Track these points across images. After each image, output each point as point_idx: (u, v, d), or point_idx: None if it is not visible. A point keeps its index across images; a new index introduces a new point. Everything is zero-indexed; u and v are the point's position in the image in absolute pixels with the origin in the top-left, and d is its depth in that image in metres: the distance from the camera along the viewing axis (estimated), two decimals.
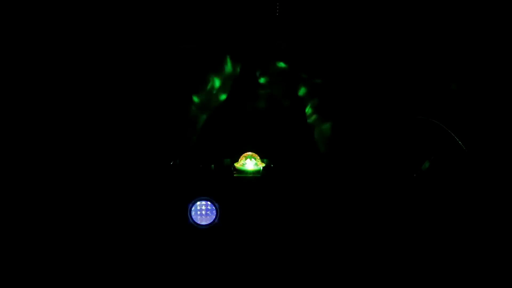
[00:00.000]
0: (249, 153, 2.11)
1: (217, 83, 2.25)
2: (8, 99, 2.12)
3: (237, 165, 2.09)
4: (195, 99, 2.24)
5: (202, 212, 1.98)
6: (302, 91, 2.26)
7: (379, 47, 2.24)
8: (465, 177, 1.96)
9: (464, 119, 2.09)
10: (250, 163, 2.08)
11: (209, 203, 1.98)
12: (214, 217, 1.98)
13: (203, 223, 1.98)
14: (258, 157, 2.11)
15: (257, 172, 2.06)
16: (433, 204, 1.97)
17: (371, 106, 2.23)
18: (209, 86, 2.25)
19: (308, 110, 2.26)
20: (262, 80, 2.27)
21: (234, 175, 2.04)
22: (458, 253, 1.92)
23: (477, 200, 1.94)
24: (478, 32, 2.18)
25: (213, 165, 2.05)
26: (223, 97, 2.27)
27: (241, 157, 2.10)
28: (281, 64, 2.27)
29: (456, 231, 1.94)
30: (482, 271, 1.88)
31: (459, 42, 2.20)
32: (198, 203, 1.98)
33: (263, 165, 2.10)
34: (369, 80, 2.24)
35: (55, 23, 2.14)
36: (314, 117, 2.24)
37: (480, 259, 1.90)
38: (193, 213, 1.98)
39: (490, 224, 1.93)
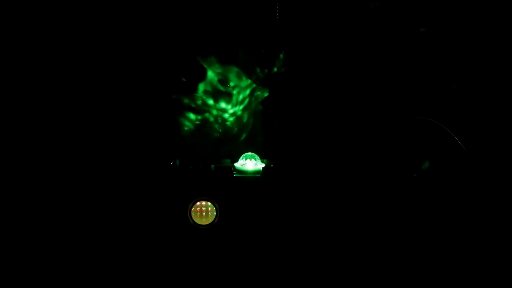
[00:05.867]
0: (249, 153, 2.11)
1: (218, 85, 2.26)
2: (8, 100, 2.12)
3: (237, 165, 2.09)
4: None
5: (202, 212, 1.98)
6: (303, 92, 2.27)
7: (378, 47, 2.24)
8: (465, 177, 1.96)
9: (464, 119, 2.09)
10: (250, 163, 2.08)
11: (209, 203, 1.98)
12: (214, 217, 1.98)
13: (203, 223, 1.98)
14: (258, 157, 2.11)
15: (257, 172, 2.06)
16: (433, 204, 1.97)
17: (371, 106, 2.23)
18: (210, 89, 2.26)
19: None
20: (261, 81, 2.27)
21: (234, 175, 2.04)
22: (458, 253, 1.92)
23: (477, 200, 1.94)
24: (477, 33, 2.19)
25: (213, 165, 2.05)
26: (223, 98, 2.27)
27: (241, 157, 2.11)
28: (281, 66, 2.27)
29: (456, 231, 1.94)
30: (482, 271, 1.88)
31: (459, 42, 2.20)
32: (198, 203, 1.98)
33: (263, 165, 2.10)
34: (369, 81, 2.24)
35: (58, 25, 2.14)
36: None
37: (480, 259, 1.89)
38: (193, 213, 1.98)
39: (490, 224, 1.93)
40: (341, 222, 2.02)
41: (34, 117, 2.13)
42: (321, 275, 1.94)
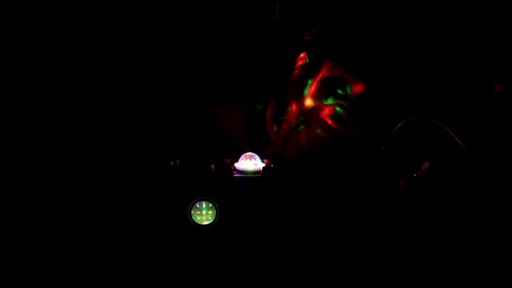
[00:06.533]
0: (249, 153, 2.11)
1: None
2: (8, 99, 2.12)
3: (237, 165, 2.09)
4: None
5: (202, 212, 1.98)
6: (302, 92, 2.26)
7: (378, 47, 2.24)
8: (465, 177, 1.96)
9: (464, 119, 2.10)
10: (250, 163, 2.08)
11: (209, 203, 1.98)
12: (214, 217, 1.98)
13: (203, 223, 1.98)
14: (258, 157, 2.11)
15: (257, 172, 2.06)
16: (433, 204, 1.98)
17: (371, 106, 2.23)
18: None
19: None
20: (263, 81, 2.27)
21: (234, 175, 2.04)
22: (458, 254, 1.92)
23: (477, 200, 1.94)
24: (477, 33, 2.19)
25: (213, 165, 2.05)
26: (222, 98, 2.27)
27: (241, 157, 2.11)
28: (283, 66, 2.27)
29: (456, 231, 1.94)
30: (482, 271, 1.88)
31: (459, 42, 2.20)
32: (198, 203, 1.98)
33: (263, 165, 2.10)
34: (368, 80, 2.24)
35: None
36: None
37: (480, 259, 1.90)
38: (193, 213, 1.98)
39: (490, 224, 1.93)
40: (341, 222, 2.02)
41: (34, 116, 2.13)
42: (321, 275, 1.94)
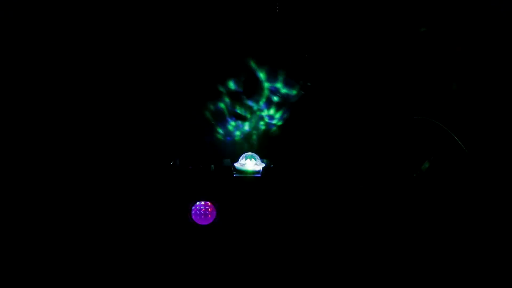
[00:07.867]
0: (249, 153, 2.11)
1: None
2: (11, 100, 2.12)
3: (237, 165, 2.09)
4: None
5: (202, 212, 1.98)
6: (301, 92, 2.26)
7: (379, 47, 2.24)
8: (465, 177, 1.96)
9: (464, 119, 2.10)
10: (250, 163, 2.08)
11: (209, 203, 1.98)
12: (214, 217, 1.98)
13: (203, 223, 1.98)
14: (258, 157, 2.11)
15: (257, 172, 2.06)
16: (433, 204, 1.98)
17: (371, 105, 2.23)
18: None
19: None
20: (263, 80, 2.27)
21: (234, 175, 2.04)
22: (458, 253, 1.92)
23: (477, 200, 1.94)
24: (477, 33, 2.19)
25: (213, 165, 2.05)
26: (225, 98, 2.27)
27: (241, 157, 2.11)
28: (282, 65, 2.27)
29: (456, 231, 1.94)
30: (482, 271, 1.88)
31: (459, 42, 2.21)
32: (198, 203, 1.98)
33: (263, 165, 2.10)
34: (369, 80, 2.24)
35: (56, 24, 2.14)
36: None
37: (480, 259, 1.90)
38: (193, 213, 1.98)
39: (490, 224, 1.93)
40: (341, 222, 2.02)
41: (36, 117, 2.13)
42: (321, 275, 1.94)
